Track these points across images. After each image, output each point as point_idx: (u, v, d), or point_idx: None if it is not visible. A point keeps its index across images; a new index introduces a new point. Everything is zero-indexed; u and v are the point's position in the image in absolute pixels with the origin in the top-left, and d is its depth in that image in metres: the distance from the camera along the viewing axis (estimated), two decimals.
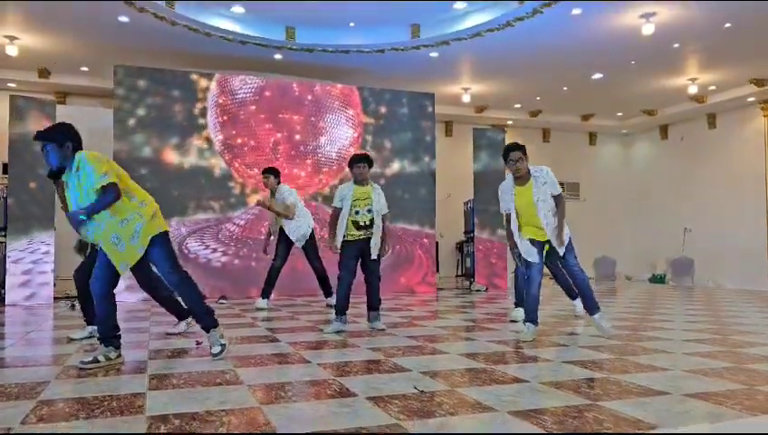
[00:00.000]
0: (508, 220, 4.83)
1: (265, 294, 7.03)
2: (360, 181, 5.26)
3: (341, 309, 5.18)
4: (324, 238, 7.10)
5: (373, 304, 5.34)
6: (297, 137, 9.46)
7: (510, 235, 4.85)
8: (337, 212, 5.30)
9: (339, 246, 5.22)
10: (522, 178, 4.72)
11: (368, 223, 5.20)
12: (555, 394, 2.90)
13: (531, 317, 4.71)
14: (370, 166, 5.33)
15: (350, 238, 5.20)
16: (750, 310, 7.15)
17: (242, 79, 9.31)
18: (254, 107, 9.27)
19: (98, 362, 3.54)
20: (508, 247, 6.17)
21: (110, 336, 3.68)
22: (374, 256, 5.24)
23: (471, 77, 11.40)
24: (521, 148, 4.70)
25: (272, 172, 7.06)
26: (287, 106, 9.46)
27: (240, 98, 9.24)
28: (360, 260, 5.27)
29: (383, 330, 5.17)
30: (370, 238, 5.23)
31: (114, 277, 3.71)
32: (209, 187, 8.93)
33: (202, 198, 8.91)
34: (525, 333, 4.64)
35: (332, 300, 6.76)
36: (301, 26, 9.47)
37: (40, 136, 3.69)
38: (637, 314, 6.51)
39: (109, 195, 3.56)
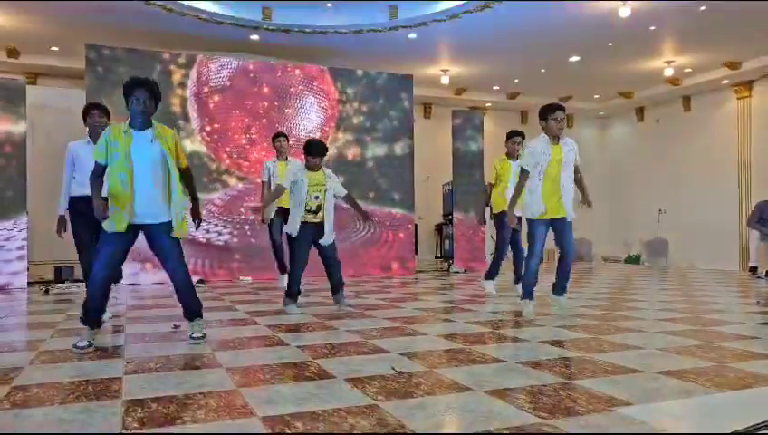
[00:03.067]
0: (525, 176, 4.81)
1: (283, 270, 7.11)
2: (312, 168, 5.25)
3: (296, 294, 5.23)
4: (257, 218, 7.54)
5: (336, 287, 5.38)
6: (271, 119, 9.34)
7: (518, 190, 4.83)
8: (280, 189, 5.37)
9: (290, 235, 5.27)
10: (555, 139, 4.82)
11: (314, 208, 5.22)
12: (531, 373, 2.94)
13: (528, 291, 4.79)
14: (324, 156, 5.34)
15: (304, 220, 5.21)
16: (721, 290, 7.31)
17: (218, 63, 9.15)
18: (229, 91, 9.12)
19: (91, 345, 3.55)
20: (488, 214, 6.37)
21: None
22: (328, 242, 5.27)
23: (450, 59, 11.36)
24: (563, 108, 4.82)
25: (286, 136, 7.16)
26: (262, 88, 9.34)
27: (216, 81, 9.09)
28: (313, 246, 5.30)
29: (352, 307, 5.33)
30: (323, 223, 5.25)
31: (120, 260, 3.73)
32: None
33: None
34: (528, 311, 4.71)
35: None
36: (277, 6, 9.33)
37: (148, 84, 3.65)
38: (612, 295, 6.62)
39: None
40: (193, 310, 3.86)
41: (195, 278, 8.20)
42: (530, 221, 4.84)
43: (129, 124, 3.65)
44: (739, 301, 6.16)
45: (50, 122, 9.60)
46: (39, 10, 8.67)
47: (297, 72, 9.65)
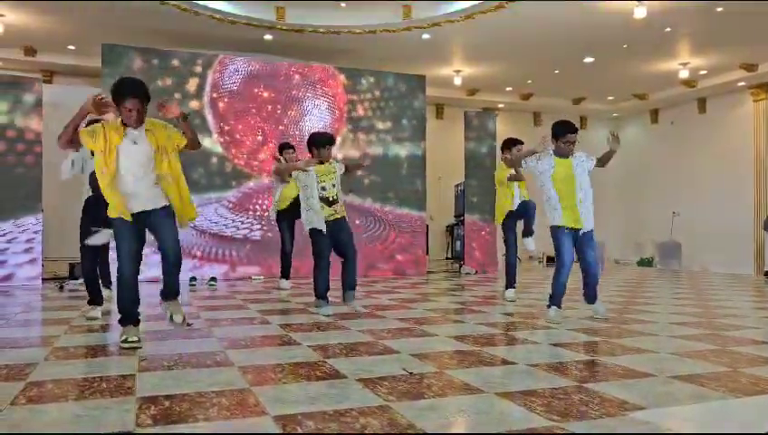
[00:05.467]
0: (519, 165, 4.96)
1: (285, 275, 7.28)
2: (322, 161, 5.22)
3: (324, 294, 5.17)
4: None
5: (350, 283, 5.24)
6: (281, 120, 9.36)
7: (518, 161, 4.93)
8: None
9: (314, 229, 5.16)
10: (564, 155, 4.81)
11: (335, 197, 5.19)
12: (543, 376, 2.94)
13: (557, 302, 4.76)
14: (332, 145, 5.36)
15: (324, 216, 5.13)
16: (735, 294, 7.24)
17: (232, 66, 9.18)
18: (242, 93, 9.14)
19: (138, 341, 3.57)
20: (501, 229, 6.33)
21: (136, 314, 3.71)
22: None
23: (463, 59, 11.34)
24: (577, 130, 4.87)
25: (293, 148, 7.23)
26: (272, 90, 9.36)
27: (230, 82, 9.14)
28: (334, 240, 5.21)
29: (364, 308, 5.31)
30: (343, 217, 5.23)
31: (140, 255, 3.73)
32: (202, 167, 8.83)
33: (194, 177, 8.82)
34: (553, 317, 4.68)
35: (286, 284, 7.15)
36: (291, 6, 9.35)
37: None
38: (624, 298, 6.57)
39: None
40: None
41: (207, 276, 8.27)
42: (553, 229, 4.75)
43: None
44: (753, 305, 6.10)
45: (66, 121, 9.67)
46: (56, 9, 8.76)
47: (309, 72, 9.67)
